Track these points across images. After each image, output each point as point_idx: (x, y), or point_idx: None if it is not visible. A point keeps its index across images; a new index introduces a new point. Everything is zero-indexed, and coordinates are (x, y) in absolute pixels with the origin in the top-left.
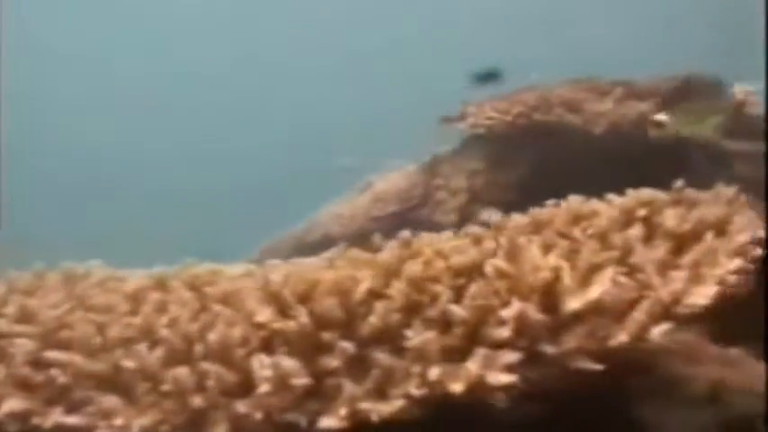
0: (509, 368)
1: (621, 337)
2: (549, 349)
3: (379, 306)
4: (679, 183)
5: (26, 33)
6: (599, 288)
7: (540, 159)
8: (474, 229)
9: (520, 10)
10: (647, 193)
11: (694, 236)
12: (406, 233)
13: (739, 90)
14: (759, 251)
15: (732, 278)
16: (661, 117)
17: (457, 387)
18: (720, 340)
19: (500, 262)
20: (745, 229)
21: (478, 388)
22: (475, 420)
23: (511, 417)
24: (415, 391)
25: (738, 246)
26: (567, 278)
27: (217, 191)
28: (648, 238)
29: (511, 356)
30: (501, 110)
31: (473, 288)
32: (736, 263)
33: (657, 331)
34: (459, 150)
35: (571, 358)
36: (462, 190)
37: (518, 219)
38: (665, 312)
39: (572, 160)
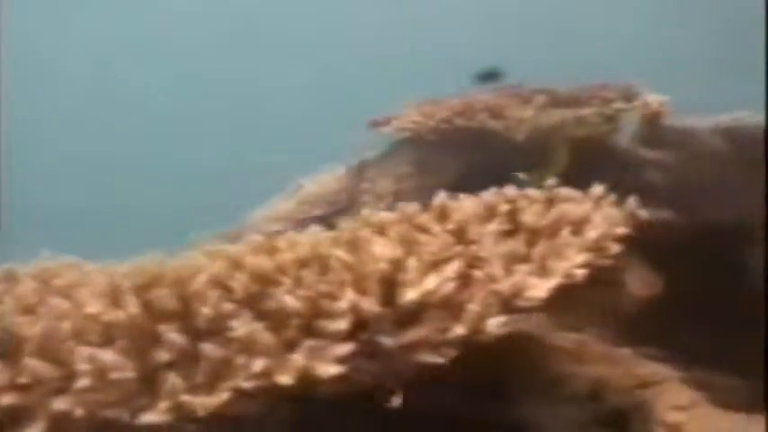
0: (340, 359)
1: (459, 330)
2: (386, 341)
3: (212, 296)
4: (550, 181)
5: (26, 33)
6: (436, 279)
7: (466, 164)
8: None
9: (521, 9)
10: (512, 190)
11: (551, 231)
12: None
13: (653, 100)
14: (615, 248)
15: (579, 272)
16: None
17: (285, 379)
18: (616, 341)
19: (341, 253)
20: (599, 225)
21: (308, 380)
22: (315, 415)
23: (364, 411)
24: (244, 383)
25: (589, 241)
26: (410, 270)
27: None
28: (507, 234)
29: (342, 348)
30: (425, 114)
31: (307, 279)
32: (584, 257)
33: (494, 323)
34: (388, 154)
35: (411, 351)
36: (388, 194)
37: (386, 214)
38: (503, 305)
39: (496, 166)
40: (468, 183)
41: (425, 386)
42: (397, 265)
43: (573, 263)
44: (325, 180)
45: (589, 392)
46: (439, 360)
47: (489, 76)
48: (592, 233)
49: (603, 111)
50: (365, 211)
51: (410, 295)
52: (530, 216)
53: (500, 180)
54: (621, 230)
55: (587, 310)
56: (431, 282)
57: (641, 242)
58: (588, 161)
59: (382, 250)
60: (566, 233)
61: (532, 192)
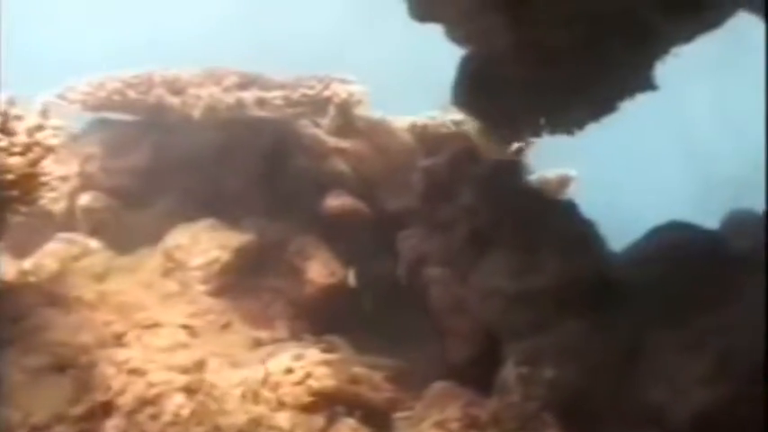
0: None
1: None
2: None
3: None
4: None
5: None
6: None
7: (153, 147)
8: None
9: None
10: None
11: None
12: None
13: (344, 89)
14: None
15: None
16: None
17: None
18: None
19: None
20: None
21: None
22: None
23: None
24: None
25: None
26: None
27: None
28: None
29: None
30: (95, 85)
31: None
32: None
33: None
34: (79, 135)
35: None
36: (74, 176)
37: None
38: None
39: (179, 141)
40: (158, 166)
41: None
42: None
43: None
44: None
45: (51, 343)
46: None
47: None
48: None
49: (289, 95)
50: None
51: None
52: None
53: (182, 156)
54: None
55: (269, 297)
56: None
57: (327, 230)
58: (271, 144)
59: None
60: None
61: None
